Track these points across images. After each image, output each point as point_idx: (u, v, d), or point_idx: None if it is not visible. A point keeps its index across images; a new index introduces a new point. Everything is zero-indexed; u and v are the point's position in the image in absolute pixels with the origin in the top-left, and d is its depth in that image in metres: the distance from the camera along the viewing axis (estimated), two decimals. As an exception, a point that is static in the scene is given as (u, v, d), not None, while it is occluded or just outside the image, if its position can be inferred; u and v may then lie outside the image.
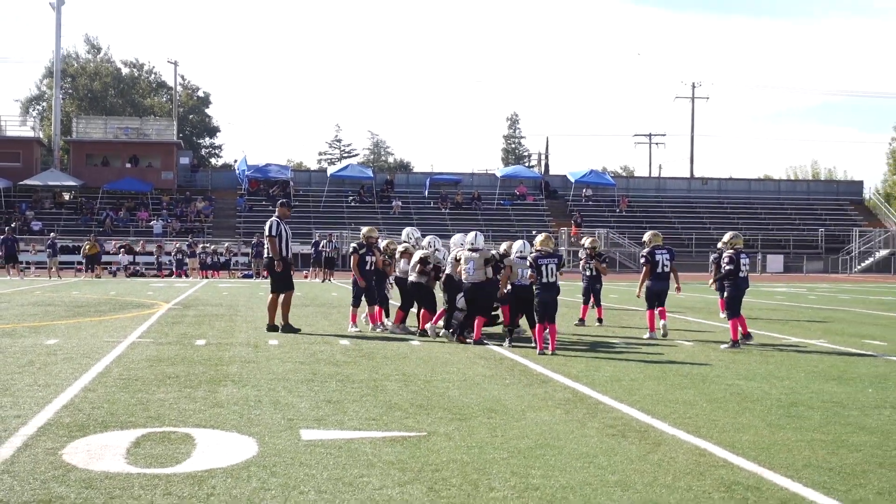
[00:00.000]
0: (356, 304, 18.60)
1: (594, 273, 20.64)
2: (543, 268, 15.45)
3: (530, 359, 14.00)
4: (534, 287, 15.49)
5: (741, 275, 16.18)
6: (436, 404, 9.95)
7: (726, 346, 15.70)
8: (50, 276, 43.57)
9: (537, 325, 15.39)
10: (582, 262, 21.43)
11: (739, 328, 16.05)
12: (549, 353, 14.68)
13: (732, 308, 16.11)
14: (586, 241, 21.49)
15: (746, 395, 10.92)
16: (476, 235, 16.77)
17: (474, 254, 16.24)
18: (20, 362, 12.82)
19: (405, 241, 18.95)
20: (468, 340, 16.01)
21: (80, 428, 8.41)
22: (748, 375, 12.54)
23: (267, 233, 17.98)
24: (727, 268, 16.20)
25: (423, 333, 17.13)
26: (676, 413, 9.64)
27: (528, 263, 15.71)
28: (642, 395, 10.75)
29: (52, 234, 49.04)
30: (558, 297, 15.49)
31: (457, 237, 18.17)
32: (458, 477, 6.86)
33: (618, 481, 6.86)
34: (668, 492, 6.60)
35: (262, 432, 8.32)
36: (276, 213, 18.08)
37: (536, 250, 15.90)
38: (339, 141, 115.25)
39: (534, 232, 50.21)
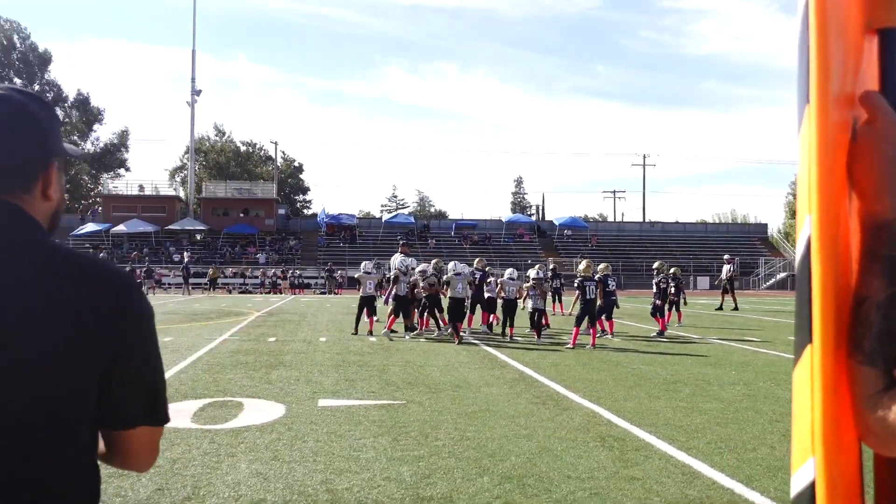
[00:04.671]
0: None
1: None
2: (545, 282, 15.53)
3: (500, 350, 14.01)
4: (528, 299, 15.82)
5: (588, 297, 15.03)
6: (420, 382, 10.13)
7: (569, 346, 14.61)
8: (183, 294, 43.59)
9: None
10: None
11: (592, 335, 14.95)
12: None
13: (579, 318, 15.01)
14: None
15: (642, 375, 10.99)
16: (455, 264, 16.87)
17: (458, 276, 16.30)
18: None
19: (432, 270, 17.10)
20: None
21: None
22: (649, 361, 12.58)
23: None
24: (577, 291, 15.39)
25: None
26: (587, 388, 9.76)
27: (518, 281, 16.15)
28: (568, 376, 10.85)
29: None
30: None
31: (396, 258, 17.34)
32: (415, 431, 7.07)
33: (527, 434, 7.03)
34: (559, 441, 6.77)
35: (291, 401, 8.56)
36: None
37: (551, 270, 16.04)
38: (395, 196, 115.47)
39: (529, 261, 50.32)
